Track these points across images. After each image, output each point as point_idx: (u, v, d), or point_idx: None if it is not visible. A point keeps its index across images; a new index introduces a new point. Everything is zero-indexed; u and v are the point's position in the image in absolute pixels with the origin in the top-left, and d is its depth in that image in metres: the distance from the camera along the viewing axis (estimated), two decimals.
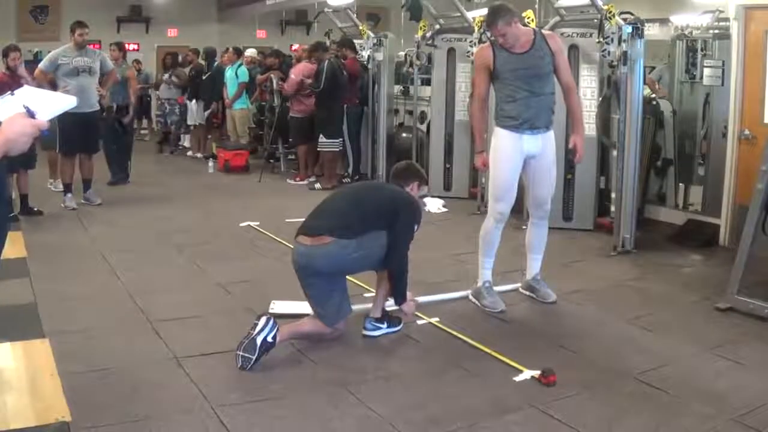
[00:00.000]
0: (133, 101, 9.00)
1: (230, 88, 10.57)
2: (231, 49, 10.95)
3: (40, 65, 7.15)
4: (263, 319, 3.54)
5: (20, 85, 2.25)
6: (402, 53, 10.11)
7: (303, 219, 3.94)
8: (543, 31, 4.69)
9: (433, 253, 5.49)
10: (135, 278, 4.94)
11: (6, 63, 6.85)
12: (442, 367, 3.61)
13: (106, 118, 8.14)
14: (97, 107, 7.26)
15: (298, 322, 3.82)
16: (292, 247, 3.94)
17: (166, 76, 11.86)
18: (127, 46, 10.36)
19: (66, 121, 6.67)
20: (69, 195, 7.33)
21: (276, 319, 3.61)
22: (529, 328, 4.22)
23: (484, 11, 8.24)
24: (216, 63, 11.27)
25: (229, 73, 10.62)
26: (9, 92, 1.99)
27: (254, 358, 3.44)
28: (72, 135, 6.98)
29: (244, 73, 10.48)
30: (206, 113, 11.10)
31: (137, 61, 14.03)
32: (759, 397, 3.26)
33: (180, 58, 12.10)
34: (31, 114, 1.88)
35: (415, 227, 3.92)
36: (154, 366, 3.56)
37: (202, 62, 11.48)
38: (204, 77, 11.07)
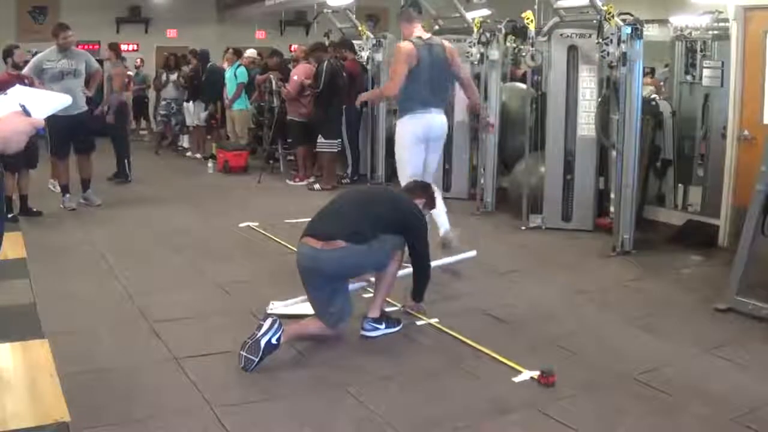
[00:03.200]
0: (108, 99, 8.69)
1: (230, 89, 10.56)
2: (230, 50, 10.95)
3: (25, 70, 6.97)
4: (269, 321, 3.52)
5: (14, 85, 2.22)
6: None
7: (302, 219, 3.94)
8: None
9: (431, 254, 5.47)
10: (134, 279, 4.94)
11: (12, 61, 6.82)
12: (441, 368, 3.62)
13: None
14: (84, 108, 7.14)
15: (300, 323, 3.83)
16: (291, 247, 3.95)
17: (174, 76, 11.83)
18: (121, 47, 10.23)
19: (55, 124, 6.63)
20: (67, 195, 7.32)
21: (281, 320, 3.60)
22: (529, 329, 4.21)
23: (484, 12, 8.29)
24: (210, 64, 11.23)
25: (228, 73, 10.62)
26: (2, 92, 1.98)
27: (257, 359, 3.43)
28: (62, 137, 6.95)
29: (242, 74, 10.46)
30: (203, 115, 11.09)
31: (140, 60, 14.09)
32: (759, 397, 3.26)
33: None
34: (26, 112, 1.88)
35: (425, 231, 4.08)
36: (154, 366, 3.56)
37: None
38: (203, 78, 11.05)
